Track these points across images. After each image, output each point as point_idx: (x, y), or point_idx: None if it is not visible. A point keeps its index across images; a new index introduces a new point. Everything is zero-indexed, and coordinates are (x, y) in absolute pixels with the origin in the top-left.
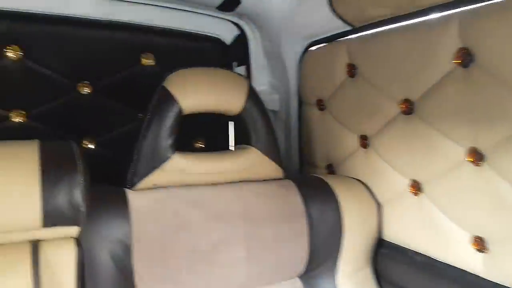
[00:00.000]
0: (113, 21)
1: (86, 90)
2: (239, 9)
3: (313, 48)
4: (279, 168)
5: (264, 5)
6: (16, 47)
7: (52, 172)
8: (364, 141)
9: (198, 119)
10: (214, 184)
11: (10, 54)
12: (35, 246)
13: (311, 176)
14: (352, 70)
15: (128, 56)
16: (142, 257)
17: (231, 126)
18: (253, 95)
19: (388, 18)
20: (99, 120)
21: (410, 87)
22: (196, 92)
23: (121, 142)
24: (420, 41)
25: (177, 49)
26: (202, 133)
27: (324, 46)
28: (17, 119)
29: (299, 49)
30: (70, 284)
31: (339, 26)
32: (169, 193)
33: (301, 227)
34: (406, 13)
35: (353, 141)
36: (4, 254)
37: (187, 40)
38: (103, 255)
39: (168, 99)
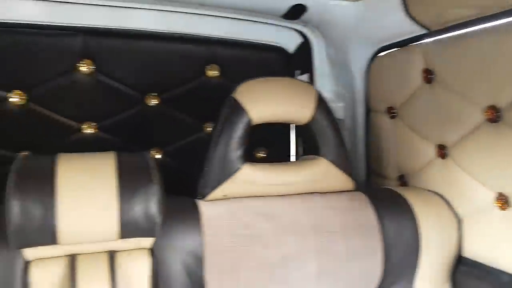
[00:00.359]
0: (178, 34)
1: (153, 102)
2: (304, 16)
3: (383, 53)
4: (350, 179)
5: (330, 12)
6: (89, 61)
7: (128, 184)
8: (442, 151)
9: (259, 128)
10: (283, 195)
11: (83, 68)
12: (112, 256)
13: (383, 188)
14: (428, 76)
15: (193, 68)
16: (214, 269)
17: (293, 135)
18: (322, 104)
19: (470, 20)
20: (166, 131)
21: (497, 93)
22: (266, 102)
23: (187, 152)
24: (509, 44)
25: (241, 59)
26: (263, 143)
27: (396, 51)
28: (88, 130)
29: (367, 55)
30: None
31: (414, 30)
32: (240, 204)
33: (375, 242)
34: (491, 13)
35: (429, 150)
36: (85, 264)
37: (250, 50)
38: (176, 266)
39: (238, 109)
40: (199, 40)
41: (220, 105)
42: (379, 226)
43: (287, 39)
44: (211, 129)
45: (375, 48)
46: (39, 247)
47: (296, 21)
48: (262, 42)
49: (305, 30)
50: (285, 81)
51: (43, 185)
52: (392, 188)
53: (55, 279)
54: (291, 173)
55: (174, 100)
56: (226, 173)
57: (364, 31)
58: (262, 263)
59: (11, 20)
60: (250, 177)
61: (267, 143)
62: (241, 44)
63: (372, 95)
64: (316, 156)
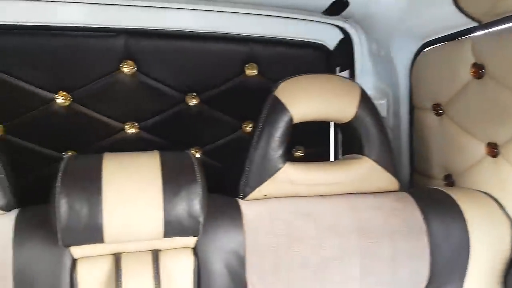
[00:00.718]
0: (218, 33)
1: (193, 102)
2: (345, 12)
3: (429, 48)
4: (394, 179)
5: (373, 6)
6: (131, 62)
7: (172, 183)
8: (493, 149)
9: (297, 126)
10: (325, 195)
11: (125, 69)
12: (155, 255)
13: (430, 189)
14: (479, 71)
15: (232, 67)
16: (256, 269)
17: (332, 133)
18: (366, 101)
19: None
20: (205, 130)
21: None
22: (307, 100)
23: (225, 151)
24: None
25: (280, 57)
26: (300, 141)
27: (444, 45)
28: (130, 130)
29: (412, 50)
30: None
31: (463, 23)
32: (281, 204)
33: (422, 245)
34: None
35: (478, 149)
36: (129, 263)
37: (289, 48)
38: (218, 265)
39: (279, 108)
40: (238, 39)
41: (259, 104)
42: (426, 228)
43: (327, 35)
44: (249, 128)
45: (421, 43)
46: (86, 245)
47: (337, 16)
48: (301, 39)
49: (346, 26)
50: (327, 77)
51: (90, 184)
52: (439, 188)
53: (101, 277)
54: (333, 173)
55: (213, 99)
56: (267, 173)
57: (408, 24)
58: (303, 264)
59: (56, 23)
60: (291, 176)
61: (305, 142)
62: (280, 41)
63: (417, 91)
64: (359, 155)
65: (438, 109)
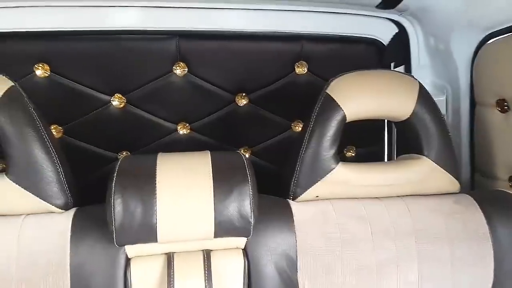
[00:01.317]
0: (268, 32)
1: (243, 102)
2: (401, 5)
3: (493, 40)
4: (455, 181)
5: None
6: (183, 64)
7: (223, 183)
8: None
9: (347, 124)
10: (381, 197)
11: (178, 71)
12: (207, 255)
13: (493, 191)
14: None
15: (282, 66)
16: (307, 271)
17: (388, 132)
18: (425, 97)
19: None
20: (254, 130)
21: None
22: (361, 97)
23: (275, 151)
24: None
25: (331, 54)
26: (352, 141)
27: (509, 36)
28: (182, 131)
29: (474, 42)
30: None
31: None
32: (333, 205)
33: (485, 251)
34: None
35: None
36: (181, 262)
37: (341, 44)
38: (269, 267)
39: (331, 106)
40: (289, 37)
41: (309, 103)
42: (489, 233)
43: (381, 30)
44: (299, 127)
45: (483, 35)
46: (140, 244)
47: (391, 10)
48: (353, 35)
49: (401, 19)
50: (382, 73)
51: (144, 184)
52: (505, 191)
53: (153, 275)
54: (390, 174)
55: (263, 99)
56: (319, 173)
57: (470, 16)
58: (357, 268)
59: (112, 28)
60: (344, 177)
61: (356, 141)
62: (331, 38)
63: (479, 86)
64: (417, 155)
65: (503, 105)
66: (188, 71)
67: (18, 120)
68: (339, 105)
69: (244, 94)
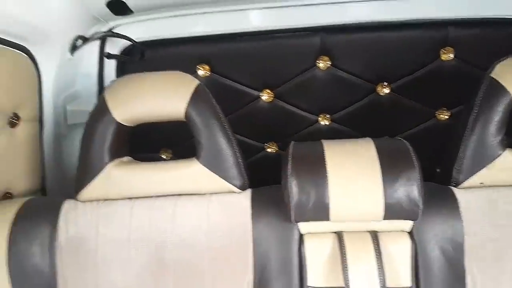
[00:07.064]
0: (406, 20)
1: (384, 91)
2: None
3: None
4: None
5: None
6: (326, 57)
7: (391, 167)
8: None
9: None
10: None
11: (321, 64)
12: (374, 236)
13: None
14: None
15: (425, 53)
16: (476, 258)
17: None
18: None
19: None
20: (396, 119)
21: None
22: None
23: (419, 140)
24: None
25: (479, 39)
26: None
27: None
28: (323, 122)
29: None
30: (407, 274)
31: None
32: (499, 193)
33: None
34: None
35: None
36: (351, 241)
37: (489, 28)
38: (435, 252)
39: (498, 90)
40: (430, 24)
41: (456, 90)
42: None
43: None
44: (444, 115)
45: None
46: (312, 222)
47: None
48: (503, 17)
49: None
50: None
51: (316, 168)
52: None
53: (325, 251)
54: None
55: (405, 88)
56: (484, 160)
57: None
58: None
59: (261, 28)
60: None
61: None
62: (479, 22)
63: None
64: None
65: None
66: (331, 64)
67: (205, 113)
68: (506, 89)
69: (386, 83)
